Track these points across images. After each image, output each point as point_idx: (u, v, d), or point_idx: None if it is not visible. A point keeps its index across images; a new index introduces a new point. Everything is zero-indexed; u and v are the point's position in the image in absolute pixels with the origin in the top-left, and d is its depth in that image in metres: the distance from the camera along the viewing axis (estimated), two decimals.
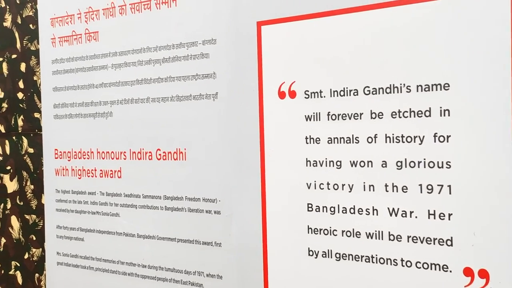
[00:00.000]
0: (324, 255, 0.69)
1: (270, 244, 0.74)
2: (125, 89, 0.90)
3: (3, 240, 1.17)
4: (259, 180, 0.74)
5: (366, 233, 0.65)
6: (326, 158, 0.68)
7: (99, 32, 0.94)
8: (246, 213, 0.76)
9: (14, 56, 1.14)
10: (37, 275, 1.11)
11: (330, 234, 0.68)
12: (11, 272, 1.16)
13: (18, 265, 1.15)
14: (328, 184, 0.68)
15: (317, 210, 0.69)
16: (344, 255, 0.67)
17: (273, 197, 0.73)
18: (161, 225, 0.86)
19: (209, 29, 0.79)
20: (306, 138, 0.70)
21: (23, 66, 1.12)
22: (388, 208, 0.63)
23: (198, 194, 0.81)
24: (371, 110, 0.65)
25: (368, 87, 0.65)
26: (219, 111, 0.78)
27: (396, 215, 0.63)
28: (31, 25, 1.10)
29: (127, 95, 0.90)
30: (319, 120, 0.69)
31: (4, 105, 1.16)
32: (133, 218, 0.90)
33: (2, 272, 1.18)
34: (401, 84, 0.62)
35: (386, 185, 0.63)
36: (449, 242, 0.60)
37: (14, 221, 1.15)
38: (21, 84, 1.13)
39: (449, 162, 0.60)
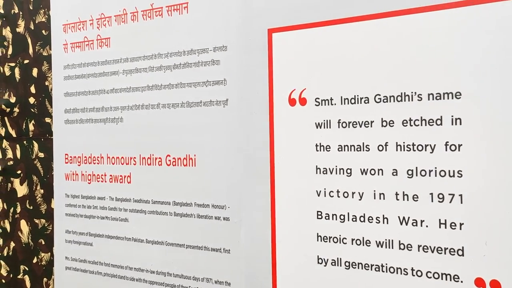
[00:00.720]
0: (333, 263, 0.68)
1: (279, 252, 0.73)
2: (135, 95, 0.91)
3: (12, 244, 1.18)
4: (268, 187, 0.74)
5: (376, 241, 0.65)
6: (336, 166, 0.68)
7: (111, 38, 0.95)
8: (255, 220, 0.76)
9: (26, 61, 1.15)
10: (45, 279, 1.12)
11: (340, 242, 0.68)
12: (19, 276, 1.17)
13: (27, 269, 1.15)
14: (338, 191, 0.68)
15: (327, 217, 0.69)
16: (353, 264, 0.67)
17: (283, 204, 0.73)
18: (170, 231, 0.86)
19: (220, 36, 0.79)
20: (316, 145, 0.70)
21: (35, 71, 1.14)
22: (399, 217, 0.63)
23: (207, 200, 0.81)
24: (382, 118, 0.64)
25: (379, 95, 0.65)
26: (229, 118, 0.78)
27: (406, 224, 0.62)
28: (43, 31, 1.11)
29: (138, 101, 0.90)
30: (330, 127, 0.69)
31: (16, 109, 1.17)
32: (142, 223, 0.90)
33: (11, 276, 1.19)
34: (412, 92, 0.62)
35: (396, 194, 0.63)
36: (460, 252, 0.59)
37: (24, 225, 1.16)
38: (32, 89, 1.14)
39: (461, 171, 0.59)
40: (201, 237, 0.82)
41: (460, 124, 0.59)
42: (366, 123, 0.66)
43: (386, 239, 0.64)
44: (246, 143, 0.77)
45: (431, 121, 0.61)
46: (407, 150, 0.62)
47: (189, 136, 0.83)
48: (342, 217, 0.67)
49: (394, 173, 0.63)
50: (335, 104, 0.68)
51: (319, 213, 0.69)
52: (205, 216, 0.81)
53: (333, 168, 0.68)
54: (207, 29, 0.81)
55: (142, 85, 0.90)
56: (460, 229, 0.59)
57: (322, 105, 0.69)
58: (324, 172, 0.69)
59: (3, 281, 1.20)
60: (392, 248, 0.63)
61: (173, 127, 0.85)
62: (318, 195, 0.69)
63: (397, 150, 0.63)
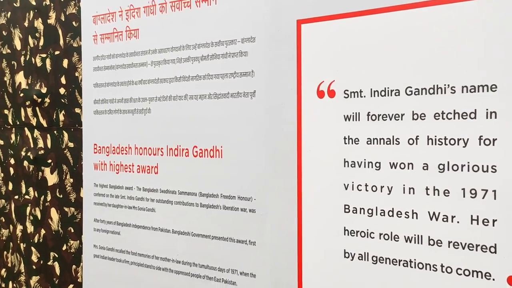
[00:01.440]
0: (360, 258, 0.68)
1: (305, 244, 0.73)
2: (163, 86, 0.91)
3: (43, 231, 1.21)
4: (295, 179, 0.73)
5: (404, 236, 0.64)
6: (364, 159, 0.67)
7: (140, 29, 0.96)
8: (282, 213, 0.75)
9: (57, 52, 1.17)
10: (74, 266, 1.14)
11: (367, 237, 0.67)
12: (49, 263, 1.20)
13: (57, 256, 1.18)
14: (366, 185, 0.67)
15: (354, 211, 0.68)
16: (381, 259, 0.66)
17: (309, 197, 0.72)
18: (196, 222, 0.86)
19: (248, 27, 0.79)
20: (345, 138, 0.69)
21: (65, 63, 1.16)
22: (429, 212, 0.62)
23: (233, 192, 0.81)
24: (413, 111, 0.63)
25: (411, 87, 0.63)
26: (257, 110, 0.78)
27: (437, 219, 0.61)
28: (74, 22, 1.13)
29: (166, 92, 0.91)
30: (359, 120, 0.68)
31: (47, 100, 1.19)
32: (169, 214, 0.91)
33: (41, 262, 1.22)
34: (445, 84, 0.61)
35: (427, 188, 0.62)
36: (492, 249, 0.58)
37: (54, 213, 1.19)
38: (63, 80, 1.16)
39: (495, 166, 0.57)
40: (227, 229, 0.82)
41: (495, 117, 0.57)
42: (397, 116, 0.64)
43: (415, 235, 0.63)
44: (273, 135, 0.76)
45: (464, 114, 0.59)
46: (438, 144, 0.61)
47: (216, 128, 0.83)
48: (370, 211, 0.66)
49: (425, 167, 0.62)
50: (364, 96, 0.67)
51: (347, 206, 0.69)
52: (231, 207, 0.81)
53: (361, 162, 0.67)
54: (235, 20, 0.81)
55: (170, 77, 0.90)
56: (493, 225, 0.58)
57: (351, 97, 0.68)
58: (352, 165, 0.68)
59: (34, 267, 1.23)
60: (421, 243, 0.62)
61: (201, 118, 0.85)
62: (346, 189, 0.69)
63: (428, 143, 0.62)
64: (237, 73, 0.80)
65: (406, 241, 0.64)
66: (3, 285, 1.31)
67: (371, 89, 0.67)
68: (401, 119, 0.64)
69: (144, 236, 0.95)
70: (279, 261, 0.76)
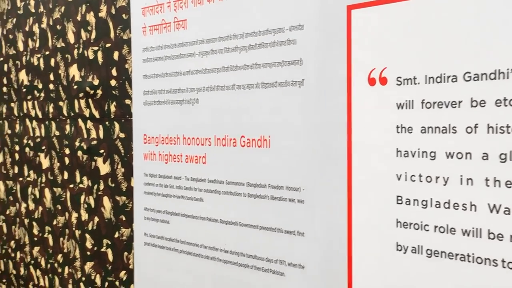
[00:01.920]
0: (413, 251, 0.65)
1: (355, 236, 0.71)
2: (211, 76, 0.92)
3: (96, 219, 1.25)
4: (345, 169, 0.72)
5: (462, 230, 0.61)
6: (418, 149, 0.64)
7: (187, 20, 0.96)
8: (331, 203, 0.74)
9: (108, 45, 1.20)
10: (125, 253, 1.18)
11: (421, 229, 0.64)
12: (102, 249, 1.24)
13: (109, 243, 1.22)
14: (420, 176, 0.64)
15: (407, 203, 0.66)
16: (436, 252, 0.63)
17: (360, 187, 0.70)
18: (244, 212, 0.86)
19: (296, 14, 0.77)
20: (397, 127, 0.66)
21: (116, 55, 1.18)
22: (489, 204, 0.58)
23: (281, 182, 0.80)
24: (471, 98, 0.60)
25: (469, 72, 0.60)
26: (305, 98, 0.77)
27: (497, 212, 0.58)
28: (123, 15, 1.15)
29: (213, 82, 0.91)
30: (412, 108, 0.65)
31: (99, 91, 1.23)
32: (217, 203, 0.91)
33: (95, 248, 1.26)
34: (508, 69, 0.57)
35: (487, 179, 0.59)
36: None
37: (106, 201, 1.22)
38: (114, 72, 1.19)
39: None
40: (275, 219, 0.81)
41: None
42: (454, 103, 0.61)
43: (473, 228, 0.60)
44: (322, 124, 0.75)
45: None
46: (500, 133, 0.57)
47: (264, 117, 0.83)
48: (424, 202, 0.64)
49: (485, 157, 0.59)
50: (418, 83, 0.64)
51: (399, 198, 0.66)
52: (279, 198, 0.81)
53: (415, 151, 0.65)
54: (283, 8, 0.79)
55: (218, 66, 0.90)
56: None
57: (404, 84, 0.66)
58: (406, 155, 0.65)
59: (88, 253, 1.28)
60: (481, 237, 0.59)
61: (248, 108, 0.85)
62: (399, 179, 0.66)
63: (488, 132, 0.58)
64: (285, 62, 0.79)
65: (464, 235, 0.61)
66: (59, 270, 1.36)
67: (426, 75, 0.64)
68: (459, 107, 0.61)
69: (193, 225, 0.96)
70: (329, 253, 0.74)
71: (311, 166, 0.76)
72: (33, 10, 1.42)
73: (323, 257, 0.75)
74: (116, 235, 1.20)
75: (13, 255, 1.51)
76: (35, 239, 1.44)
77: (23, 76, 1.46)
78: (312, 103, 0.76)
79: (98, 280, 1.25)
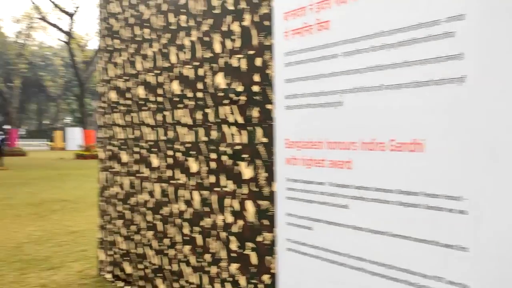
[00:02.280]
0: None
1: None
2: (356, 77, 0.87)
3: (241, 222, 1.28)
4: None
5: None
6: None
7: (330, 21, 0.93)
8: (501, 215, 0.64)
9: (251, 52, 1.22)
10: (268, 257, 1.18)
11: None
12: (246, 252, 1.26)
13: (253, 246, 1.24)
14: None
15: None
16: None
17: None
18: (394, 221, 0.80)
19: (455, 3, 0.69)
20: None
21: (258, 61, 1.20)
22: None
23: (438, 190, 0.72)
24: None
25: None
26: (467, 97, 0.68)
27: None
28: (265, 22, 1.16)
29: (358, 83, 0.87)
30: None
31: (242, 98, 1.26)
32: (363, 211, 0.86)
33: (240, 251, 1.29)
34: None
35: None
36: None
37: (249, 205, 1.25)
38: (256, 78, 1.21)
39: None
40: (431, 231, 0.74)
41: None
42: None
43: None
44: (488, 125, 0.66)
45: None
46: None
47: (416, 119, 0.76)
48: None
49: None
50: None
51: None
52: (436, 207, 0.73)
53: None
54: None
55: (363, 67, 0.86)
56: None
57: None
58: None
59: (233, 254, 1.32)
60: None
61: (398, 109, 0.79)
62: None
63: None
64: (441, 57, 0.72)
65: None
66: (206, 268, 1.43)
67: None
68: None
69: (337, 233, 0.92)
70: (499, 272, 0.65)
71: (475, 172, 0.67)
72: (184, 25, 1.52)
73: (491, 277, 0.66)
74: (260, 239, 1.21)
75: (166, 252, 1.63)
76: (186, 238, 1.53)
77: (175, 86, 1.57)
78: (475, 102, 0.67)
79: (243, 282, 1.28)
